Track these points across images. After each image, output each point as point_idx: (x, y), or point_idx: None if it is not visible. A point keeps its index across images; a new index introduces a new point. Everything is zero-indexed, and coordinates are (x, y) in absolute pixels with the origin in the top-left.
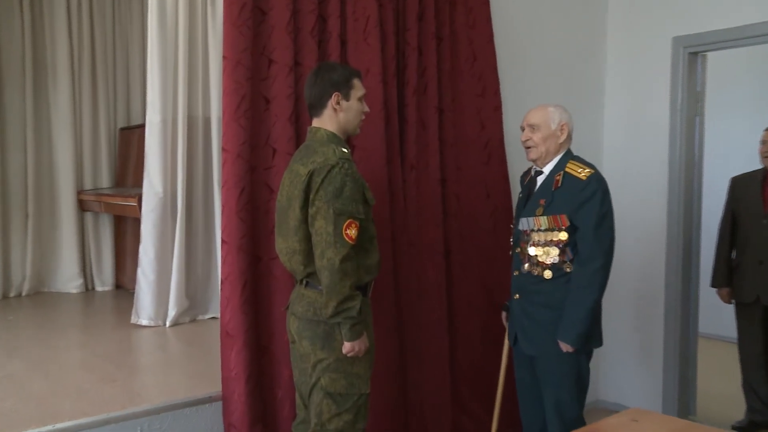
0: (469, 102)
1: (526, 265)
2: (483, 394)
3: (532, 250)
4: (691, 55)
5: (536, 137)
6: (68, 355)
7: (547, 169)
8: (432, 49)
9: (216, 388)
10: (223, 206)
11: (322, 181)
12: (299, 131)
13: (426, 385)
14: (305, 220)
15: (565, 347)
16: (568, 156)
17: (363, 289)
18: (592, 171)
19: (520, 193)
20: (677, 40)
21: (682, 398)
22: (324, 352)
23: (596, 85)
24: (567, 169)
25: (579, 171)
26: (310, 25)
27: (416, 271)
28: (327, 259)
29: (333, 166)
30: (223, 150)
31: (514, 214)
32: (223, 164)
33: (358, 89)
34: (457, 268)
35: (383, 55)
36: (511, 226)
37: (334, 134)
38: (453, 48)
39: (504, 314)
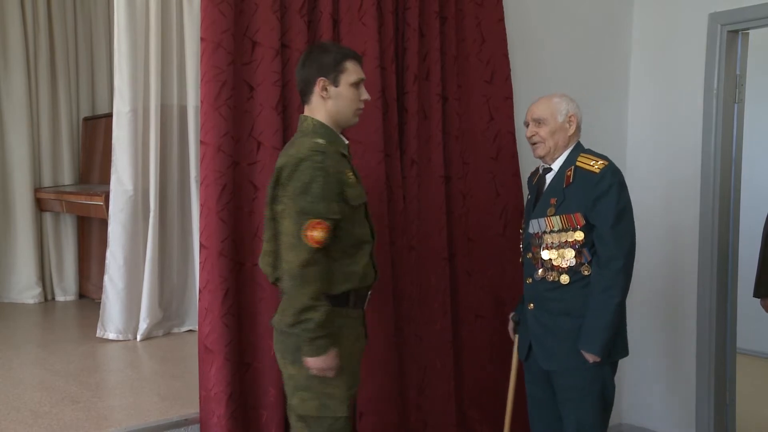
0: (476, 90)
1: (540, 270)
2: (492, 415)
3: (545, 254)
4: (731, 34)
5: (543, 132)
6: (23, 374)
7: (556, 165)
8: (435, 31)
9: (193, 409)
10: (202, 206)
11: (290, 176)
12: (287, 122)
13: (428, 405)
14: (273, 218)
15: (591, 357)
16: (579, 149)
17: (341, 298)
18: (606, 162)
19: (528, 195)
20: (714, 17)
21: (718, 423)
22: (294, 367)
23: (620, 69)
24: (578, 163)
25: (591, 164)
26: (299, 3)
27: (417, 278)
28: (286, 262)
29: (302, 160)
30: (202, 143)
31: (524, 217)
32: (202, 158)
33: (350, 73)
34: (462, 274)
35: (380, 36)
36: (521, 230)
37: (322, 124)
38: (458, 29)
39: (511, 325)
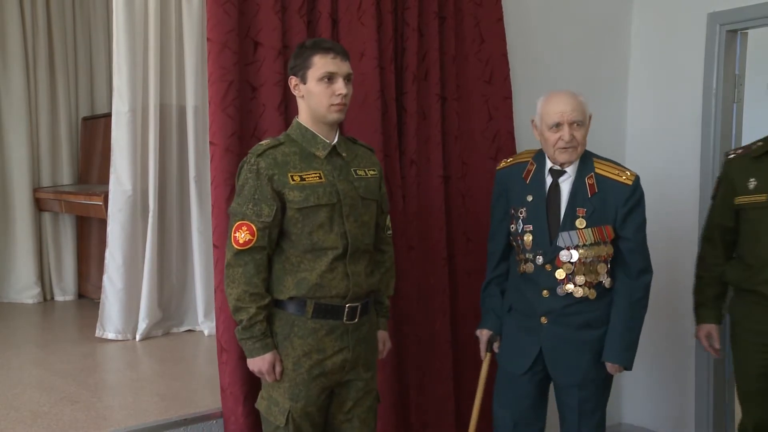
0: (475, 90)
1: (568, 285)
2: (491, 415)
3: (578, 269)
4: (729, 33)
5: (580, 135)
6: (22, 374)
7: (571, 170)
8: (434, 30)
9: (191, 409)
10: (213, 206)
11: (236, 179)
12: (289, 122)
13: (428, 405)
14: None
15: (618, 369)
16: (589, 153)
17: (290, 305)
18: (636, 174)
19: (530, 197)
20: (713, 17)
21: (718, 423)
22: None
23: (619, 69)
24: (599, 171)
25: (619, 174)
26: (298, 3)
27: (416, 278)
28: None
29: (244, 163)
30: (211, 143)
31: (515, 220)
32: (211, 159)
33: (317, 68)
34: (462, 274)
35: (380, 36)
36: (511, 239)
37: (299, 124)
38: (458, 29)
39: (486, 333)
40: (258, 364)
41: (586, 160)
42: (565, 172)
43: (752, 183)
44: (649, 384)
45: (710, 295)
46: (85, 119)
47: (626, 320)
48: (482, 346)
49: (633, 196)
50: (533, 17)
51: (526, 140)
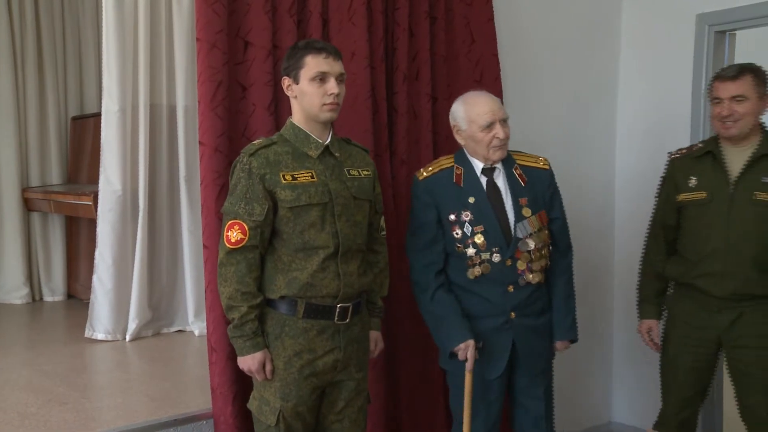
0: (466, 90)
1: (530, 275)
2: None
3: (534, 257)
4: (718, 34)
5: (509, 131)
6: (10, 375)
7: (500, 166)
8: (425, 30)
9: (181, 410)
10: (202, 206)
11: (230, 178)
12: (279, 122)
13: (418, 405)
14: None
15: (566, 345)
16: None
17: (281, 304)
18: (545, 157)
19: (425, 204)
20: (702, 18)
21: (706, 421)
22: None
23: (609, 69)
24: (520, 162)
25: (536, 161)
26: (288, 3)
27: (406, 279)
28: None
29: (237, 162)
30: (200, 143)
31: (462, 225)
32: (200, 159)
33: (309, 68)
34: None
35: (370, 36)
36: (459, 245)
37: (292, 124)
38: (448, 29)
39: (472, 344)
40: (248, 362)
41: (509, 154)
42: (495, 168)
43: (693, 181)
44: (638, 382)
45: (652, 291)
46: (74, 118)
47: (566, 297)
48: (471, 359)
49: (552, 178)
50: (524, 17)
51: (516, 141)
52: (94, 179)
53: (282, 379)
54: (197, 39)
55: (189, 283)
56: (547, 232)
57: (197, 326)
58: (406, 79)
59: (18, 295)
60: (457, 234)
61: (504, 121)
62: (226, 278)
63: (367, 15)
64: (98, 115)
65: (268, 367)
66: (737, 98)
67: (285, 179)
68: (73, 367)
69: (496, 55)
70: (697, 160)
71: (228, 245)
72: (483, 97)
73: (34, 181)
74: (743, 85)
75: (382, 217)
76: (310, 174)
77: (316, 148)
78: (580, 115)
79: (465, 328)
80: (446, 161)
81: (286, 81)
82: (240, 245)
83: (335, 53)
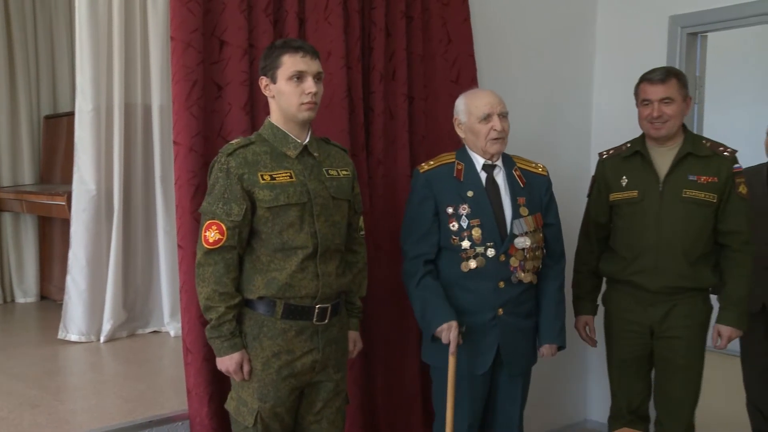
0: (442, 90)
1: (522, 273)
2: None
3: (528, 255)
4: (690, 36)
5: (507, 126)
6: None
7: (500, 164)
8: (401, 30)
9: (156, 411)
10: (177, 206)
11: (208, 177)
12: (255, 121)
13: (395, 405)
14: None
15: (554, 350)
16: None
17: (259, 304)
18: (543, 164)
19: (424, 196)
20: (674, 19)
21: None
22: None
23: (585, 70)
24: (520, 165)
25: (535, 167)
26: (264, 2)
27: (384, 278)
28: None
29: (214, 162)
30: (174, 143)
31: (459, 217)
32: (175, 159)
33: (287, 67)
34: None
35: (347, 36)
36: (455, 237)
37: (270, 124)
38: (425, 29)
39: (455, 325)
40: (226, 363)
41: (505, 156)
42: (496, 166)
43: (624, 181)
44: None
45: (587, 288)
46: (47, 118)
47: (557, 302)
48: (454, 341)
49: (550, 184)
50: (500, 18)
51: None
52: (67, 179)
53: (260, 380)
54: (171, 38)
55: (164, 283)
56: (541, 235)
57: (173, 327)
58: (382, 79)
59: None
60: (453, 227)
61: (503, 116)
62: (203, 279)
63: (343, 14)
64: (71, 114)
65: (246, 368)
66: (665, 100)
67: (263, 179)
68: (45, 369)
69: (472, 55)
70: (626, 160)
71: (206, 245)
72: (485, 91)
73: (6, 180)
74: (670, 88)
75: (361, 217)
76: (288, 174)
77: (295, 148)
78: (555, 117)
79: (447, 310)
80: (448, 157)
81: (263, 81)
82: (218, 245)
83: (312, 52)
